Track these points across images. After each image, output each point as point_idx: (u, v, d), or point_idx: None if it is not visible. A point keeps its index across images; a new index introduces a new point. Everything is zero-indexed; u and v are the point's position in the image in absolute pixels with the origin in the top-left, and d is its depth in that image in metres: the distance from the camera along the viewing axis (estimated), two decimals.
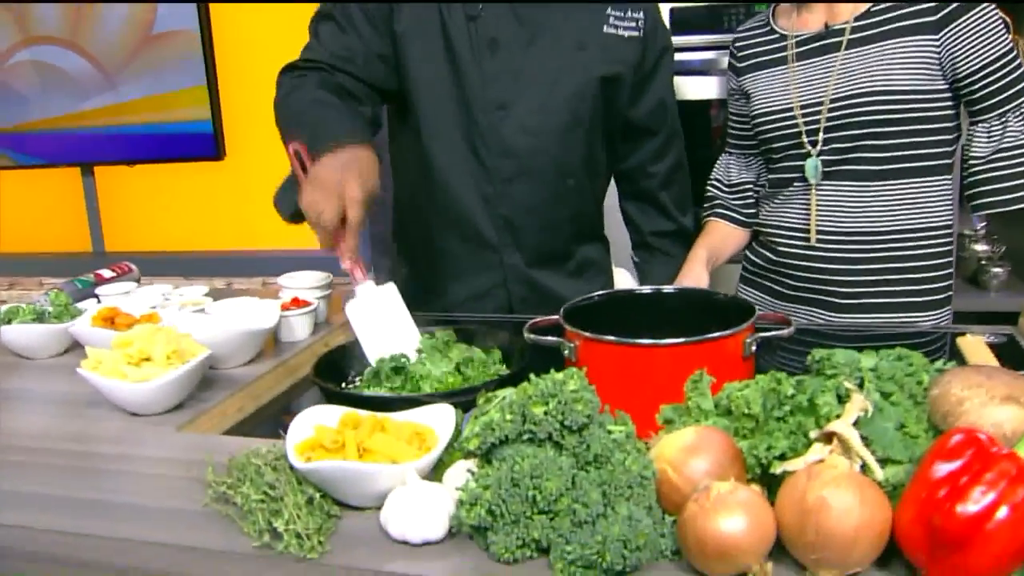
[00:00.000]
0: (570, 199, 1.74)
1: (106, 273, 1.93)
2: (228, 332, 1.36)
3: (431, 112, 1.66)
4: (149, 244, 4.02)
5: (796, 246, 1.70)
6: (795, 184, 1.68)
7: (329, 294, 1.65)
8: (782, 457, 0.78)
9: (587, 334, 1.09)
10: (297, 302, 1.56)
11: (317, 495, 0.89)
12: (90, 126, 3.80)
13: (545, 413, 0.78)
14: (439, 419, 0.97)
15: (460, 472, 0.87)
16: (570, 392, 0.79)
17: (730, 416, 0.87)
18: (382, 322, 1.33)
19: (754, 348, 1.09)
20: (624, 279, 2.00)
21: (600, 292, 1.25)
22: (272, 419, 1.33)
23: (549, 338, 1.15)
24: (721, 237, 1.81)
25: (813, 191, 1.65)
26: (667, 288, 1.26)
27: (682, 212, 1.88)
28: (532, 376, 0.83)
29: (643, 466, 0.78)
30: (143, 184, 3.88)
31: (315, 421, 0.98)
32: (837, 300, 1.66)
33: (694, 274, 1.71)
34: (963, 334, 1.40)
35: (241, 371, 1.39)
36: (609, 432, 0.81)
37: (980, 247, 2.74)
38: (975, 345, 1.33)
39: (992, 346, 1.34)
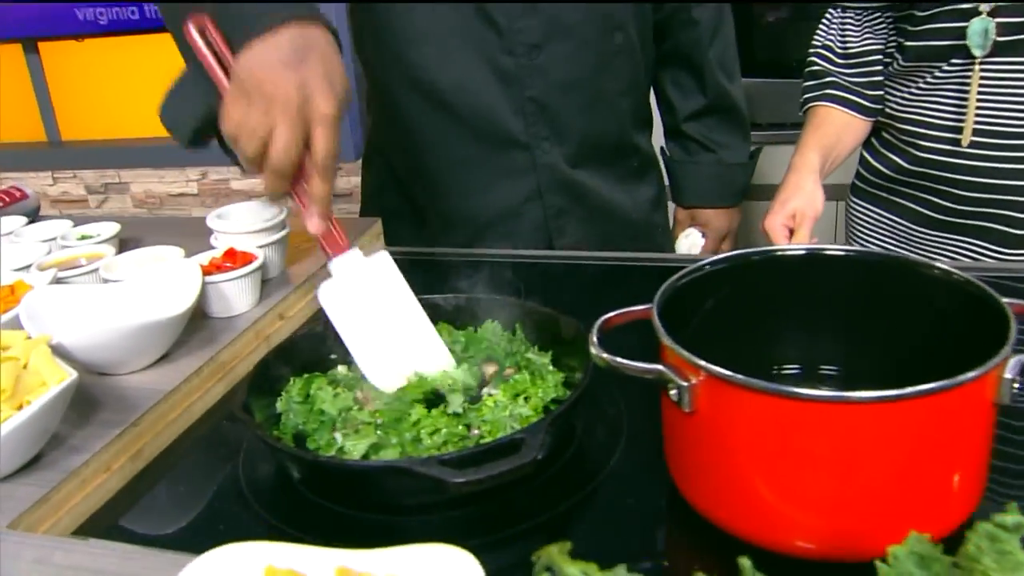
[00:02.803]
0: (621, 64, 1.26)
1: None
2: (109, 332, 0.87)
3: None
4: (112, 130, 3.54)
5: (943, 151, 1.19)
6: (951, 58, 1.15)
7: (284, 235, 1.15)
8: None
9: (720, 371, 0.59)
10: (233, 256, 1.06)
11: None
12: None
13: None
14: None
15: None
16: None
17: None
18: (377, 315, 0.87)
19: (1016, 386, 0.61)
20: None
21: (712, 259, 0.75)
22: (192, 470, 0.85)
23: (636, 364, 0.66)
24: (835, 131, 1.28)
25: (976, 69, 1.13)
26: (832, 248, 0.74)
27: (729, 77, 1.39)
28: None
29: None
30: (96, 61, 3.35)
31: None
32: (1012, 230, 1.16)
33: (804, 192, 1.20)
34: None
35: (141, 380, 0.91)
36: None
37: None
38: None
39: None
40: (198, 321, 1.02)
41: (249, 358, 1.00)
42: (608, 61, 1.24)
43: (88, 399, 0.87)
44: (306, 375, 0.85)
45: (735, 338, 0.76)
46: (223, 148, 0.88)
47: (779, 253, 0.75)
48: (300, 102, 0.80)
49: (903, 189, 1.27)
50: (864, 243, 1.36)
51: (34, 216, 1.43)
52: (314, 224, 0.86)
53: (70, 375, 0.77)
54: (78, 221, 1.29)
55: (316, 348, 0.89)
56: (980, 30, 1.11)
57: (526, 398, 0.78)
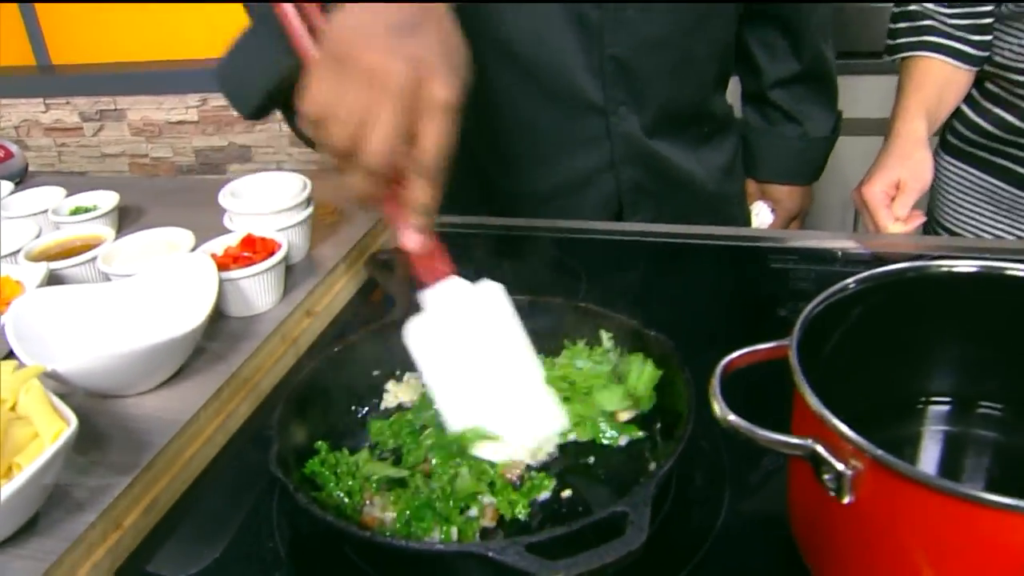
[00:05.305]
0: (717, 23, 1.09)
1: None
2: (114, 358, 0.73)
3: None
4: (105, 54, 3.32)
5: None
6: None
7: (309, 215, 1.00)
8: None
9: (901, 466, 0.46)
10: (252, 244, 0.92)
11: None
12: None
13: None
14: None
15: None
16: None
17: None
18: (481, 366, 0.71)
19: None
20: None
21: (858, 277, 0.61)
22: (215, 521, 0.73)
23: (778, 438, 0.52)
24: (937, 90, 1.12)
25: None
26: (1014, 268, 0.60)
27: (825, 38, 1.21)
28: None
29: None
30: None
31: None
32: None
33: (912, 161, 1.04)
34: None
35: (152, 404, 0.77)
36: None
37: None
38: None
39: None
40: (214, 323, 0.88)
41: (276, 367, 0.86)
42: (704, 19, 1.05)
43: (91, 433, 0.74)
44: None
45: (875, 362, 0.64)
46: (291, 125, 0.72)
47: (942, 269, 0.61)
48: (411, 83, 0.62)
49: (1007, 149, 1.11)
50: (953, 207, 1.22)
51: (21, 178, 1.28)
52: (411, 239, 0.68)
53: (69, 424, 0.64)
54: (72, 189, 1.14)
55: (355, 363, 0.77)
56: None
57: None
